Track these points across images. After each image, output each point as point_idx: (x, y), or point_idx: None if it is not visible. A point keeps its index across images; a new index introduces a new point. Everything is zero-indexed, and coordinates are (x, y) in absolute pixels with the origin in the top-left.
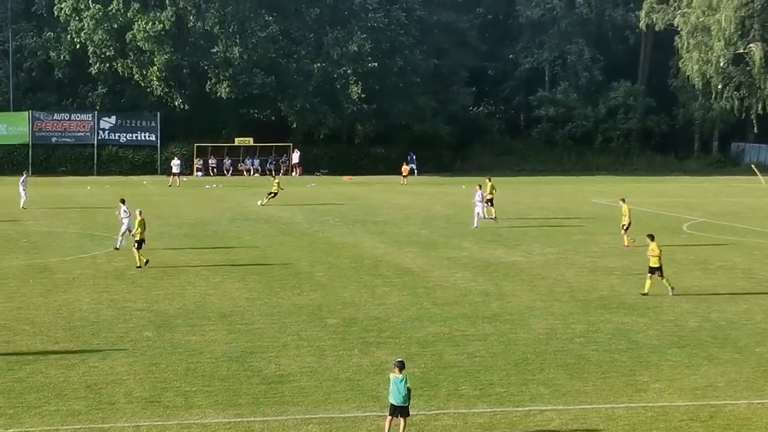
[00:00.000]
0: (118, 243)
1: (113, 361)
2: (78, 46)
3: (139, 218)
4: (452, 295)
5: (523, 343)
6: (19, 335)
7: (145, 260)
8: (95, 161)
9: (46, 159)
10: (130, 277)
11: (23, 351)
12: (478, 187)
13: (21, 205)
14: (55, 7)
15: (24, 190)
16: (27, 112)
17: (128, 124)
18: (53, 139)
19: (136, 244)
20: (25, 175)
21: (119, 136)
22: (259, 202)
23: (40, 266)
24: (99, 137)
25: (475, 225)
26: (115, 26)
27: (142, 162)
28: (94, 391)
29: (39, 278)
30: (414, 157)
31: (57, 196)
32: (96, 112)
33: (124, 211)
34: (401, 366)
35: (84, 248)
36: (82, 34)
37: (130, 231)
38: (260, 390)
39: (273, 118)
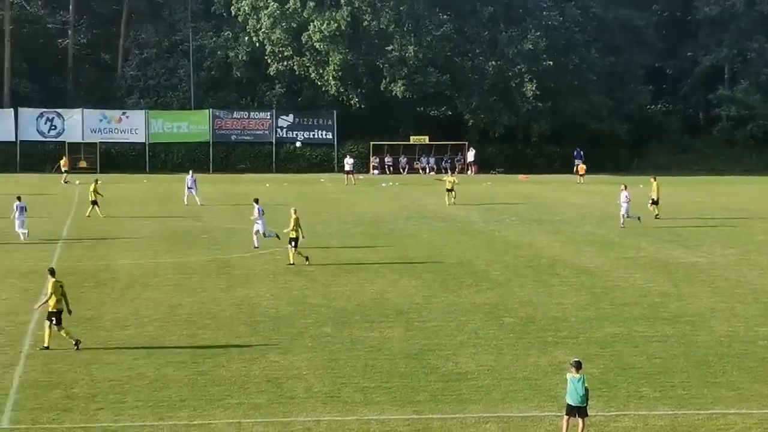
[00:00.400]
0: (255, 242)
1: (293, 356)
2: (257, 45)
3: (294, 216)
4: (631, 296)
5: (704, 345)
6: (201, 329)
7: (305, 257)
8: (274, 159)
9: (226, 156)
10: (309, 274)
11: (206, 344)
12: (623, 187)
13: (186, 202)
14: (233, 7)
15: (191, 187)
16: (207, 111)
17: (305, 123)
18: (233, 137)
19: (292, 243)
20: (191, 173)
21: (297, 134)
22: (448, 203)
23: (221, 262)
24: (277, 135)
25: (621, 224)
26: (293, 25)
27: (319, 160)
28: (274, 385)
29: (220, 273)
30: (581, 153)
31: (236, 193)
32: (274, 111)
33: (258, 210)
34: (578, 366)
35: (263, 244)
36: (260, 33)
37: (265, 234)
38: (438, 387)
39: (449, 114)
